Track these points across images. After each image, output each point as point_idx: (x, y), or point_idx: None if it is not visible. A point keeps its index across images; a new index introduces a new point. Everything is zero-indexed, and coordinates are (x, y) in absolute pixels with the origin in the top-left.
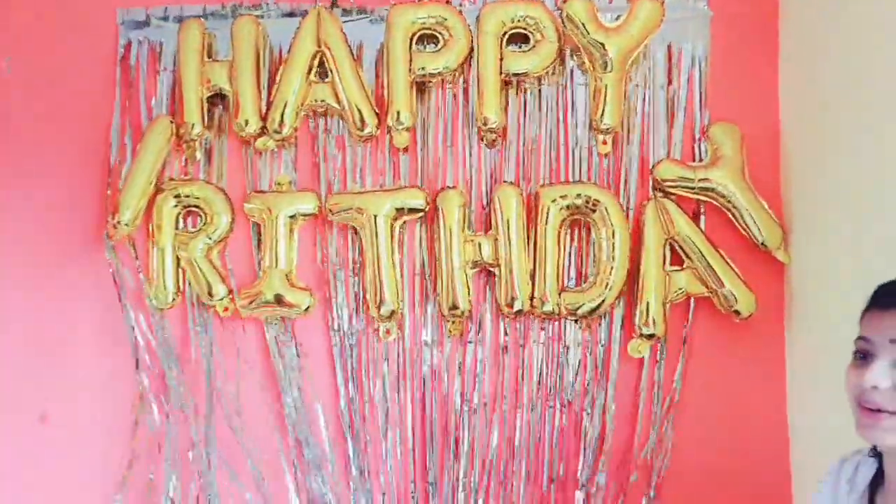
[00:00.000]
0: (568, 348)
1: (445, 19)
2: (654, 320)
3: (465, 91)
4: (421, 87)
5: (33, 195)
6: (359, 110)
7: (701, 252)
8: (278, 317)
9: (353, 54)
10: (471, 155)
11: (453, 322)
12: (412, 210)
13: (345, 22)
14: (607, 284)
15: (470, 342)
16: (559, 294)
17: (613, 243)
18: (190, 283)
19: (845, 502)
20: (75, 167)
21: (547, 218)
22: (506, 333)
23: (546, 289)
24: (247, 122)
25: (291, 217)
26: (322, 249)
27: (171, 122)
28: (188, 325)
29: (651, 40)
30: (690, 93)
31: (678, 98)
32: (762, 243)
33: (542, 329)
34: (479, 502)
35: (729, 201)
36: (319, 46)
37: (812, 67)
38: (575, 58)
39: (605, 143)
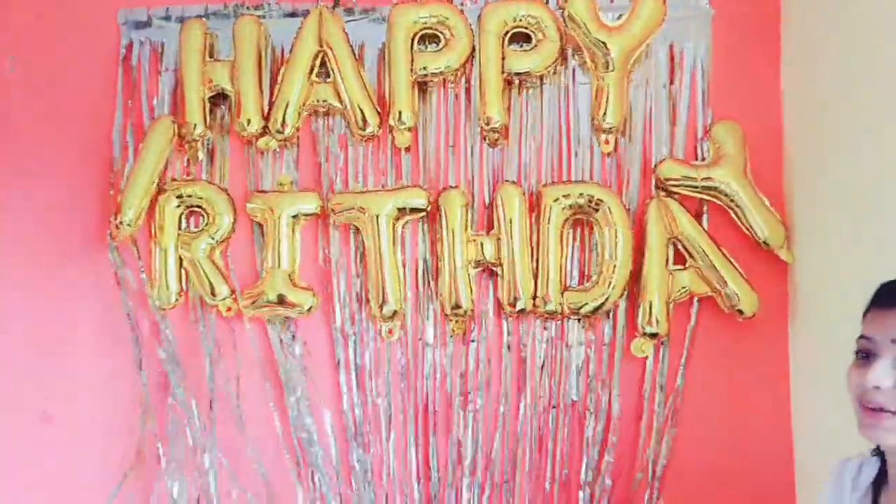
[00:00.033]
0: (571, 348)
1: (447, 19)
2: (657, 319)
3: (467, 91)
4: (423, 86)
5: (34, 195)
6: (361, 110)
7: (704, 251)
8: (281, 317)
9: (354, 54)
10: (473, 154)
11: (456, 322)
12: (414, 210)
13: (347, 22)
14: (610, 284)
15: (473, 342)
16: (562, 293)
17: (616, 242)
18: (192, 284)
19: (849, 502)
20: (76, 167)
21: (549, 217)
22: (508, 333)
23: (549, 288)
24: (249, 122)
25: (294, 217)
26: (324, 249)
27: (173, 122)
28: (190, 326)
29: (653, 39)
30: (692, 92)
31: (680, 97)
32: (765, 242)
33: (545, 329)
34: (482, 502)
35: (732, 200)
36: (321, 46)
37: (814, 66)
38: (577, 57)
39: (607, 142)
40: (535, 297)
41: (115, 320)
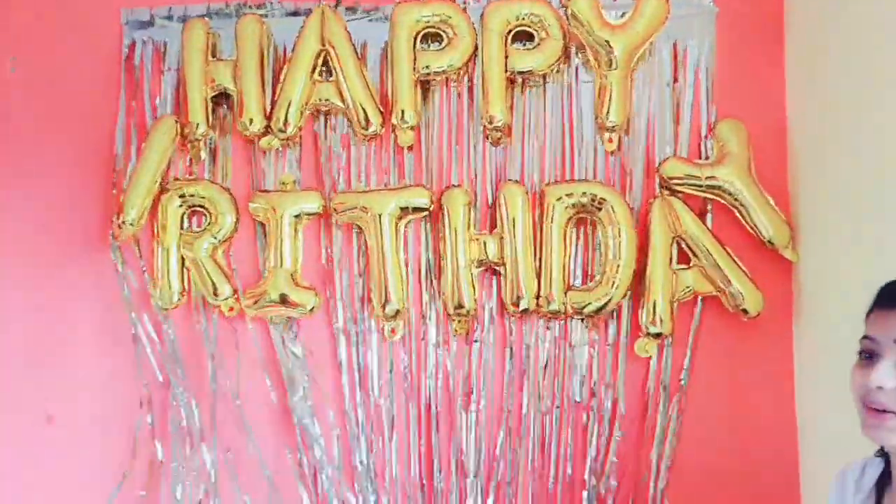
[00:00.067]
0: (574, 348)
1: (450, 17)
2: (661, 319)
3: (470, 89)
4: (425, 85)
5: (35, 195)
6: (363, 109)
7: (708, 250)
8: (283, 317)
9: (357, 53)
10: (476, 153)
11: (459, 321)
12: (417, 209)
13: (349, 21)
14: (613, 283)
15: (475, 341)
16: (565, 293)
17: (620, 242)
18: (195, 283)
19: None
20: (78, 167)
21: (553, 216)
22: (511, 333)
23: (552, 288)
24: (251, 122)
25: (296, 216)
26: (327, 249)
27: (176, 121)
28: (192, 325)
29: (656, 37)
30: (696, 90)
31: (684, 95)
32: (769, 241)
33: (548, 328)
34: (485, 503)
35: (736, 199)
36: (323, 45)
37: (818, 64)
38: (580, 55)
39: (610, 140)
40: (538, 297)
41: (115, 320)
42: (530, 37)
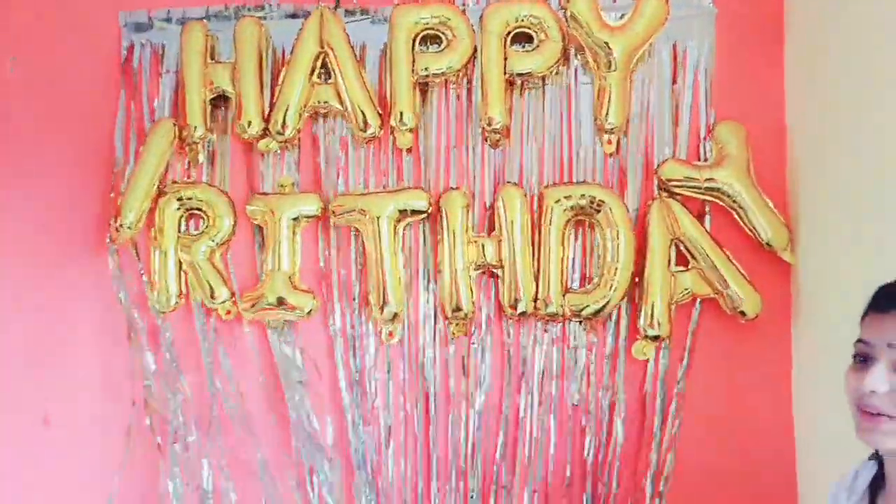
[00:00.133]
0: (572, 350)
1: (449, 19)
2: (659, 322)
3: (469, 91)
4: (424, 87)
5: (34, 197)
6: (362, 111)
7: (706, 252)
8: (281, 320)
9: (355, 55)
10: (474, 155)
11: (457, 324)
12: (415, 211)
13: (347, 23)
14: (612, 286)
15: (473, 344)
16: (563, 295)
17: (618, 244)
18: (192, 286)
19: None
20: (76, 169)
21: (551, 219)
22: (509, 335)
23: (550, 290)
24: (249, 124)
25: (294, 219)
26: (325, 251)
27: (174, 124)
28: (190, 328)
29: (656, 39)
30: (695, 91)
31: (683, 97)
32: (768, 243)
33: (546, 331)
34: None
35: (734, 201)
36: (322, 47)
37: (818, 65)
38: (579, 57)
39: (609, 142)
40: (536, 300)
41: (114, 321)
42: (529, 38)
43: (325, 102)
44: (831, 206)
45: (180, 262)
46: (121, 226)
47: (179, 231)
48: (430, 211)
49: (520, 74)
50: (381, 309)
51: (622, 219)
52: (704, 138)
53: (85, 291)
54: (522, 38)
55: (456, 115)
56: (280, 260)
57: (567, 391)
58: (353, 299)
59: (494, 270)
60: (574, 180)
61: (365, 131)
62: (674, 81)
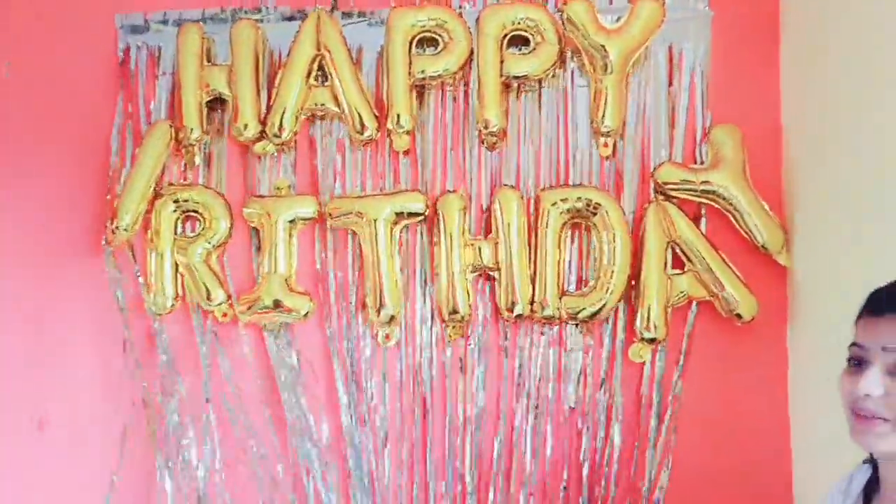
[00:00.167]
0: (569, 352)
1: (445, 22)
2: (655, 324)
3: (466, 94)
4: (421, 90)
5: (31, 199)
6: (358, 114)
7: (702, 255)
8: (277, 322)
9: (352, 58)
10: (471, 158)
11: (453, 327)
12: (412, 214)
13: (344, 25)
14: (608, 288)
15: (470, 347)
16: (560, 298)
17: (614, 247)
18: (188, 289)
19: None
20: (73, 171)
21: (547, 221)
22: (506, 338)
23: (546, 293)
24: (246, 127)
25: (291, 221)
26: (321, 254)
27: (171, 126)
28: (187, 330)
29: (652, 41)
30: (692, 94)
31: (679, 99)
32: (763, 246)
33: (543, 334)
34: None
35: (730, 204)
36: (319, 50)
37: (813, 68)
38: (575, 60)
39: (605, 145)
40: (532, 302)
41: (112, 323)
42: (526, 41)
43: (322, 105)
44: (827, 208)
45: (177, 265)
46: (117, 228)
47: (176, 233)
48: (426, 213)
49: (516, 77)
50: (378, 311)
51: (618, 222)
52: (701, 141)
53: (82, 293)
54: (519, 41)
55: (452, 117)
56: (276, 262)
57: (564, 394)
58: (350, 302)
59: (491, 273)
60: (570, 183)
61: (362, 134)
62: (670, 84)
